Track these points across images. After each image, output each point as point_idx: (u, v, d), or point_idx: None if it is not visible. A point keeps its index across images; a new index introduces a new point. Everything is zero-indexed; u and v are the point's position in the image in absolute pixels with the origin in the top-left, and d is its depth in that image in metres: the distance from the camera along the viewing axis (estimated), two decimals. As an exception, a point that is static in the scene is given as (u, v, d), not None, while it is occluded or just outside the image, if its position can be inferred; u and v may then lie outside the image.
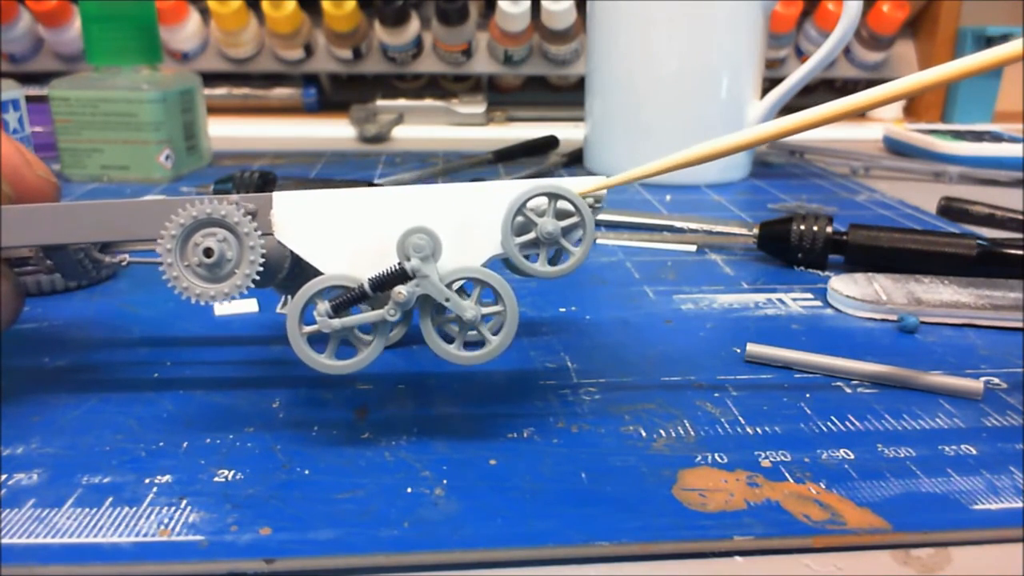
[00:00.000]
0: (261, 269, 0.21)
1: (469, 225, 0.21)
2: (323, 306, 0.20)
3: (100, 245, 0.25)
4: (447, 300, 0.20)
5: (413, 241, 0.20)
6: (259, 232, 0.21)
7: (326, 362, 0.21)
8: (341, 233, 0.21)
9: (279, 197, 0.21)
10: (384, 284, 0.21)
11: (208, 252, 0.21)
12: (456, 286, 0.21)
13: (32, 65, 0.80)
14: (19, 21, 0.76)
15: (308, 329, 0.21)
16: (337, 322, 0.20)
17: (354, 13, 0.76)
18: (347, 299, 0.21)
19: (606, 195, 0.22)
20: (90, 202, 0.21)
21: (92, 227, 0.21)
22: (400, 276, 0.20)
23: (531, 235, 0.21)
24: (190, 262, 0.21)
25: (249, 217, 0.21)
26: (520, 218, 0.21)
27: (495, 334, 0.21)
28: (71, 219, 0.21)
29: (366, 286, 0.20)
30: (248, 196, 0.21)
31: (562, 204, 0.21)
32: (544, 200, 0.21)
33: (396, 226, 0.21)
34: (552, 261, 0.22)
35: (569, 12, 0.75)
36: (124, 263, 0.25)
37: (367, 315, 0.21)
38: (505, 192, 0.21)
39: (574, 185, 0.22)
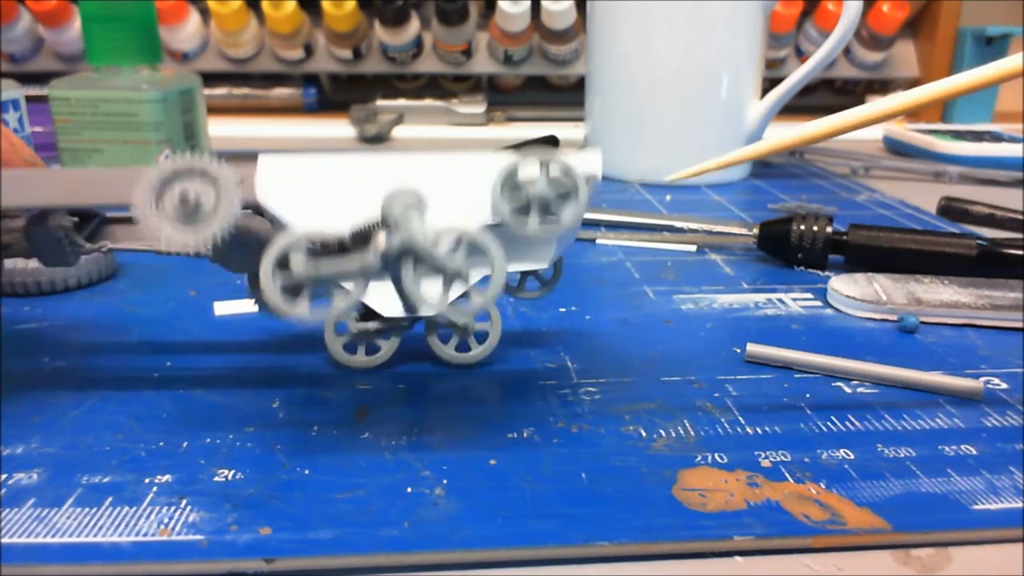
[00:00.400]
0: (239, 215, 0.20)
1: (459, 193, 0.21)
2: (299, 253, 0.19)
3: (87, 234, 0.25)
4: (431, 248, 0.19)
5: (397, 197, 0.20)
6: (239, 180, 0.20)
7: (299, 311, 0.19)
8: (325, 197, 0.21)
9: (263, 159, 0.21)
10: (366, 235, 0.20)
11: (184, 198, 0.20)
12: (443, 243, 0.20)
13: (32, 65, 0.80)
14: (19, 21, 0.76)
15: (283, 279, 0.19)
16: (313, 267, 0.19)
17: (354, 13, 0.76)
18: (326, 249, 0.20)
19: (600, 173, 0.22)
20: (79, 168, 0.21)
21: (81, 191, 0.21)
22: (383, 226, 0.20)
23: (522, 200, 0.21)
24: (166, 210, 0.20)
25: (229, 169, 0.20)
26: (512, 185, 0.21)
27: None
28: (61, 182, 0.21)
29: (346, 237, 0.20)
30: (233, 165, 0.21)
31: (554, 173, 0.21)
32: (536, 170, 0.21)
33: (382, 191, 0.20)
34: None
35: (569, 12, 0.75)
36: (105, 250, 0.25)
37: (346, 262, 0.19)
38: (497, 163, 0.21)
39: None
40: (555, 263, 0.27)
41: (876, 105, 0.22)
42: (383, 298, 0.24)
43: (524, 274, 0.27)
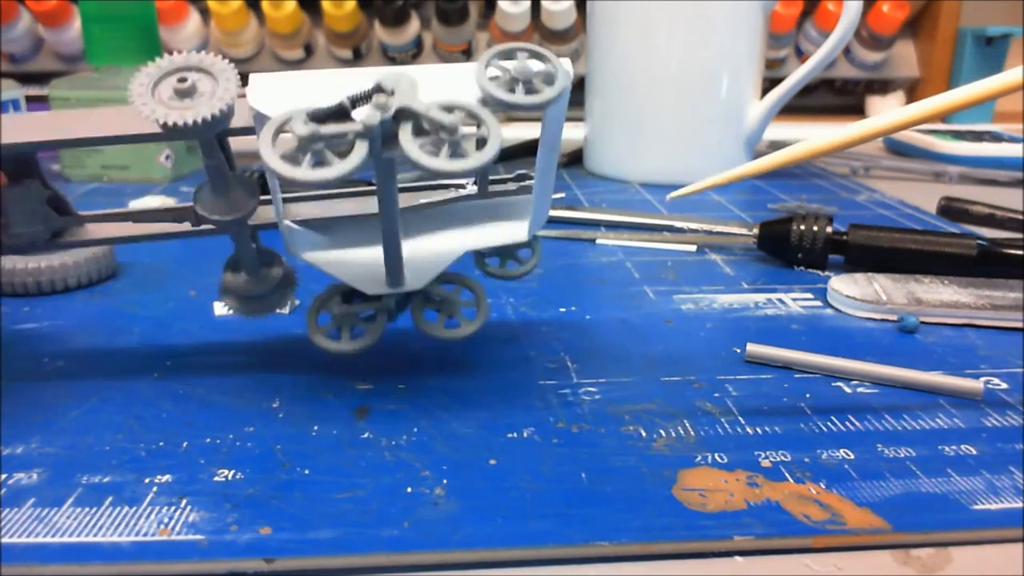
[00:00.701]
0: (236, 98, 0.20)
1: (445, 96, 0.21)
2: (299, 119, 0.19)
3: (62, 224, 0.24)
4: (427, 109, 0.20)
5: (393, 74, 0.20)
6: (236, 71, 0.21)
7: (300, 172, 0.19)
8: (314, 103, 0.21)
9: (255, 76, 0.21)
10: (364, 99, 0.20)
11: (182, 80, 0.20)
12: (441, 115, 0.20)
13: (32, 65, 0.80)
14: (19, 21, 0.76)
15: (282, 146, 0.19)
16: (313, 129, 0.19)
17: (354, 13, 0.76)
18: (325, 113, 0.20)
19: (572, 72, 0.22)
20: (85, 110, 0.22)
21: (87, 129, 0.22)
22: (379, 91, 0.20)
23: (507, 81, 0.21)
24: (162, 96, 0.20)
25: (227, 63, 0.21)
26: (494, 69, 0.21)
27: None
28: (69, 122, 0.22)
29: (345, 101, 0.20)
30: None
31: (534, 61, 0.21)
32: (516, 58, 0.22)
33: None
34: None
35: (569, 12, 0.75)
36: (81, 226, 0.24)
37: (345, 124, 0.19)
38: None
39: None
40: (533, 243, 0.27)
41: (876, 120, 0.22)
42: (366, 276, 0.24)
43: (504, 258, 0.27)
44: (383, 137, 0.20)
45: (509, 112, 0.21)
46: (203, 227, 0.24)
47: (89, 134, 0.22)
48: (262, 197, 0.24)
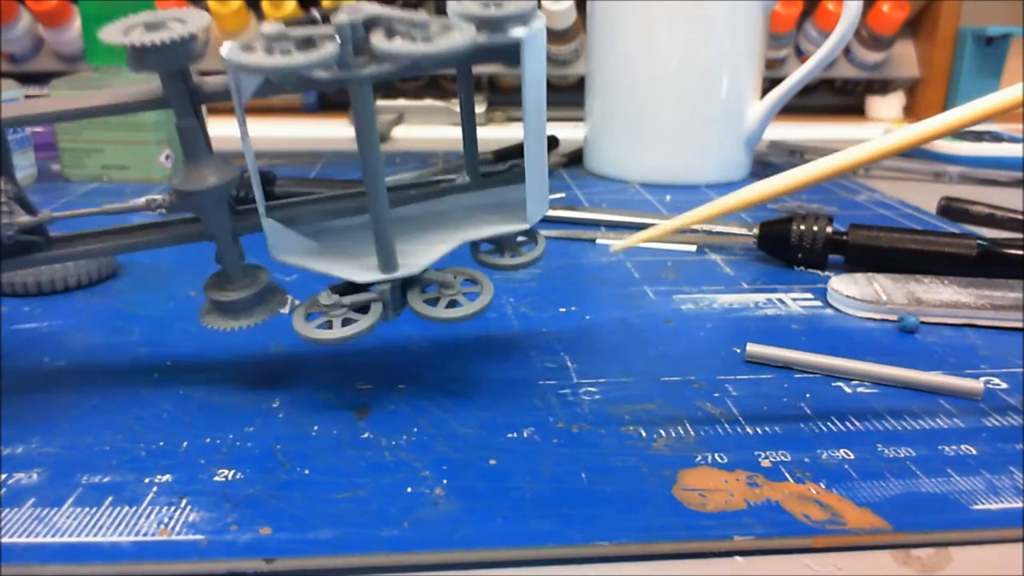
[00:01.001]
0: (206, 31, 0.21)
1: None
2: (272, 27, 0.19)
3: (27, 229, 0.24)
4: (399, 17, 0.20)
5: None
6: (209, 17, 0.21)
7: (264, 59, 0.19)
8: None
9: (227, 42, 0.22)
10: (335, 12, 0.20)
11: (153, 15, 0.21)
12: (412, 16, 0.20)
13: (32, 65, 0.80)
14: (19, 21, 0.76)
15: (254, 57, 0.19)
16: (284, 29, 0.19)
17: (354, 13, 0.76)
18: (300, 20, 0.20)
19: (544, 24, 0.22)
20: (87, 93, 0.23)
21: (67, 104, 0.22)
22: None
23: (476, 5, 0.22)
24: (133, 37, 0.21)
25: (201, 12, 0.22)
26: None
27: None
28: (65, 104, 0.22)
29: (316, 15, 0.20)
30: None
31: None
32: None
33: None
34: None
35: (569, 12, 0.75)
36: (48, 220, 0.24)
37: (316, 28, 0.20)
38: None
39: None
40: (535, 235, 0.27)
41: (868, 147, 0.22)
42: (357, 267, 0.24)
43: (504, 251, 0.27)
44: (354, 46, 0.20)
45: (482, 27, 0.21)
46: (183, 229, 0.24)
47: (67, 107, 0.22)
48: (245, 207, 0.24)
